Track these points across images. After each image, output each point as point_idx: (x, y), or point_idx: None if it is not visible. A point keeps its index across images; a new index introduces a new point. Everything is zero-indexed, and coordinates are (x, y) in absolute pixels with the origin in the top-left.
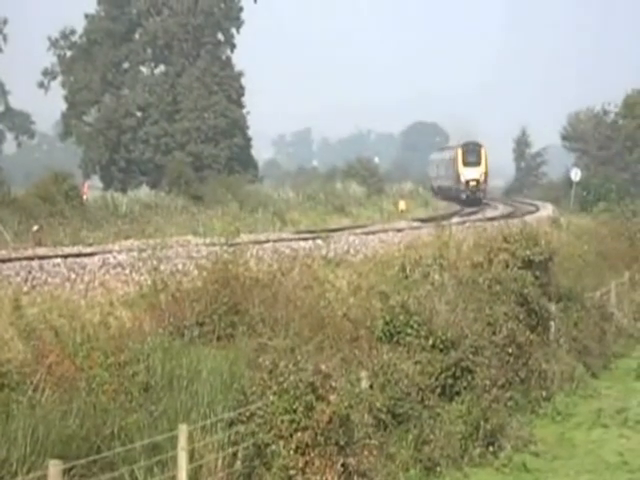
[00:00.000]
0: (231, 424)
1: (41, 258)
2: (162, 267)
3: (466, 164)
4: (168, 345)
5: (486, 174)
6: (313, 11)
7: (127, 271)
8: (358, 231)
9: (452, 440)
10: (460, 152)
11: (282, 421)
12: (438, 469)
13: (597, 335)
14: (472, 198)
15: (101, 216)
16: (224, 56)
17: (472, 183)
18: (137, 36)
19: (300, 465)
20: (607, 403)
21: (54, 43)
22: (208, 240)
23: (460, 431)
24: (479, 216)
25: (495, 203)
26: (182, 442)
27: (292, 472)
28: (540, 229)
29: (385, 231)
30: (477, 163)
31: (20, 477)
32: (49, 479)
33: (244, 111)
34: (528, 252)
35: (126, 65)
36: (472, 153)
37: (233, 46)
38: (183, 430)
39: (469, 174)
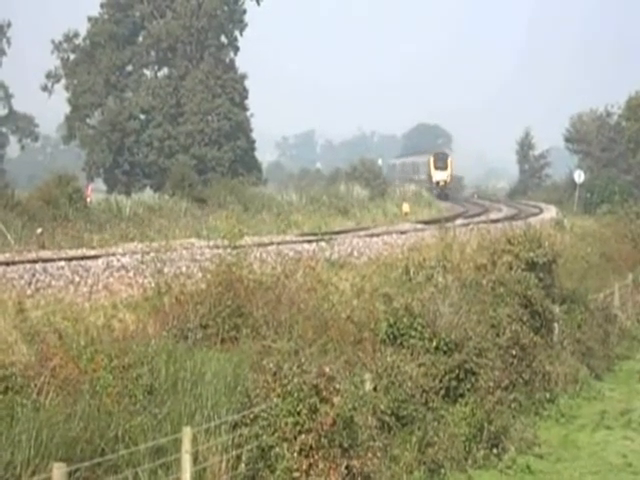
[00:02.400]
0: (235, 427)
1: (45, 261)
2: (166, 270)
3: (436, 168)
4: (172, 348)
5: (451, 176)
6: (319, 14)
7: (131, 274)
8: (362, 233)
9: (456, 442)
10: (432, 159)
11: (286, 423)
12: (442, 471)
13: (601, 337)
14: (441, 194)
15: (105, 219)
16: (227, 59)
17: (441, 183)
18: (140, 39)
19: (304, 467)
20: (611, 405)
21: (57, 46)
22: (212, 243)
23: (464, 433)
24: (483, 218)
25: (499, 205)
26: (186, 445)
27: (296, 474)
28: (544, 231)
29: (389, 233)
30: (444, 168)
31: None
32: None
33: (247, 114)
34: (532, 254)
35: (129, 68)
36: (441, 160)
37: (237, 49)
38: (187, 433)
39: (439, 176)
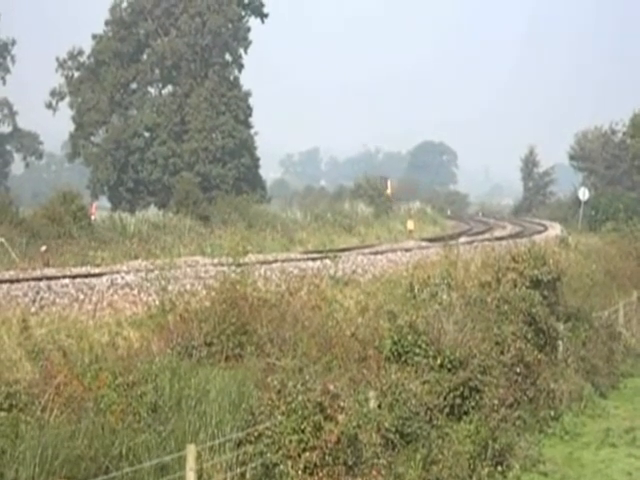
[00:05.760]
0: (239, 444)
1: (49, 279)
2: (170, 287)
3: None
4: (176, 365)
5: (391, 194)
6: (324, 29)
7: (135, 291)
8: (366, 251)
9: (460, 460)
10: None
11: (290, 441)
12: None
13: (605, 354)
14: None
15: (109, 237)
16: (232, 76)
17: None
18: (145, 57)
19: None
20: (615, 423)
21: (62, 64)
22: (216, 260)
23: (468, 451)
24: (487, 236)
25: (503, 222)
26: (190, 462)
27: None
28: (548, 248)
29: (393, 251)
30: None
31: None
32: None
33: (252, 131)
34: (536, 271)
35: (134, 86)
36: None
37: (241, 66)
38: (191, 450)
39: None
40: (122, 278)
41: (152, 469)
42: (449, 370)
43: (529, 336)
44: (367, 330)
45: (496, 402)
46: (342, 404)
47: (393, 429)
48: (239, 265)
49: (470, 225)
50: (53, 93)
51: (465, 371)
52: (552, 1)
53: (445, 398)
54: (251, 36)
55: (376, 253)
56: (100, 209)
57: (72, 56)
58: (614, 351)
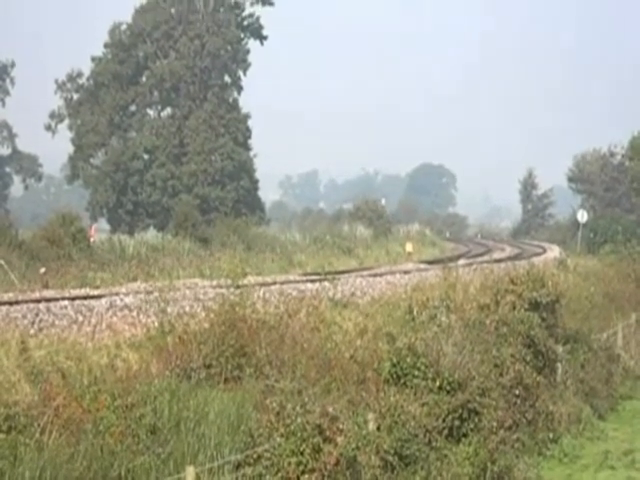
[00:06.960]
0: (238, 466)
1: (48, 300)
2: (169, 309)
3: None
4: (175, 387)
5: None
6: (322, 53)
7: (134, 313)
8: (365, 273)
9: None
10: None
11: (289, 463)
12: None
13: (604, 377)
14: None
15: (108, 259)
16: (231, 98)
17: None
18: (144, 79)
19: None
20: (614, 445)
21: (61, 86)
22: (215, 282)
23: (467, 473)
24: (486, 258)
25: (502, 245)
26: None
27: None
28: (547, 271)
29: (392, 273)
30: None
31: None
32: None
33: (251, 153)
34: (535, 294)
35: (133, 108)
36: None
37: (240, 88)
38: (190, 472)
39: None
40: (121, 300)
41: None
42: (448, 392)
43: (528, 358)
44: (366, 352)
45: (495, 424)
46: (341, 426)
47: (392, 451)
48: (238, 287)
49: (469, 247)
50: (52, 115)
51: (464, 393)
52: (553, 13)
53: (444, 420)
54: (250, 58)
55: (375, 275)
56: (99, 231)
57: (71, 78)
58: (613, 373)
